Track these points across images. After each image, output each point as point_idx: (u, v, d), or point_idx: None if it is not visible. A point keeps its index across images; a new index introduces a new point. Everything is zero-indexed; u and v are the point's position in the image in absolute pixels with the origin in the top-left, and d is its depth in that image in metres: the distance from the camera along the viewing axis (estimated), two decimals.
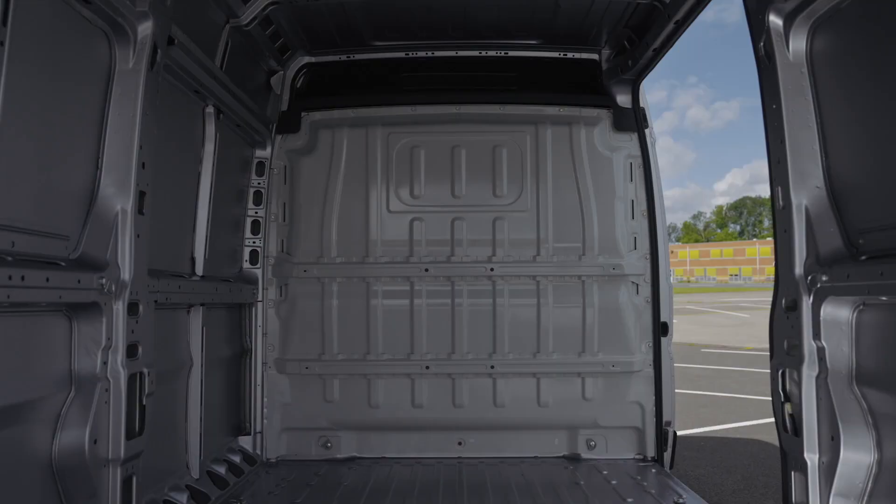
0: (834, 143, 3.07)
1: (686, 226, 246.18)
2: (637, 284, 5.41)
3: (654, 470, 5.08)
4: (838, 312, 3.00)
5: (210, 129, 4.39)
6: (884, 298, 2.74)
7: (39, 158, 2.72)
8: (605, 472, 4.99)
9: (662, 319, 5.36)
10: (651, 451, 5.32)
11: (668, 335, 5.37)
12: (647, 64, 5.06)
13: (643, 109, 5.44)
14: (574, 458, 5.36)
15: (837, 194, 3.06)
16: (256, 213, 5.35)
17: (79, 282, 2.84)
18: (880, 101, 2.71)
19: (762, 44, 3.25)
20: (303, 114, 5.48)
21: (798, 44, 3.15)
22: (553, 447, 5.43)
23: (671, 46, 4.71)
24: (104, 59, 3.11)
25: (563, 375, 5.41)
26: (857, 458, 2.91)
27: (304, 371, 5.40)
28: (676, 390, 5.49)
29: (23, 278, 2.46)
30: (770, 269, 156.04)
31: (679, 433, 5.47)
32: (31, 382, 2.72)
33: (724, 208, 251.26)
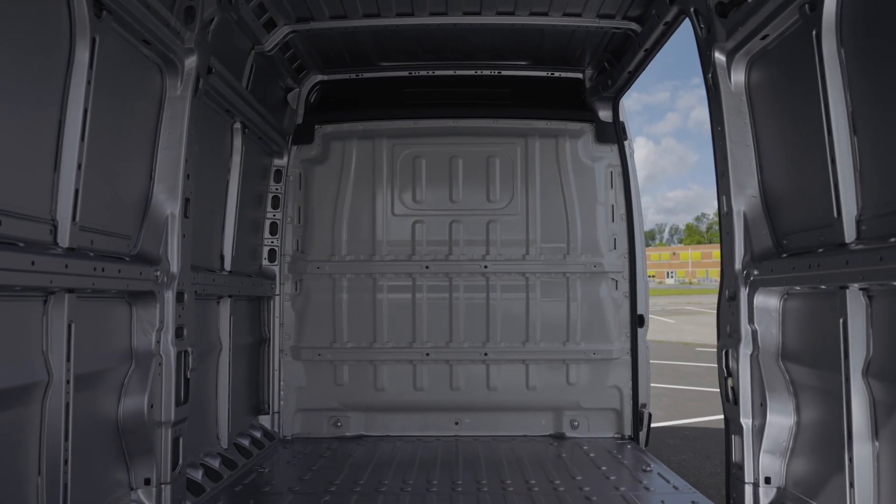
0: (766, 159, 3.68)
1: (689, 227, 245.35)
2: (616, 281, 6.00)
3: (629, 446, 5.66)
4: (768, 301, 3.61)
5: (237, 142, 5.00)
6: (798, 288, 3.35)
7: (110, 172, 3.33)
8: (585, 448, 5.57)
9: (639, 312, 5.95)
10: (628, 430, 5.91)
11: (644, 326, 5.97)
12: (624, 83, 5.66)
13: (622, 123, 6.03)
14: (559, 437, 5.95)
15: (769, 202, 3.67)
16: (274, 215, 5.96)
17: (140, 273, 3.45)
18: (798, 125, 3.31)
19: (710, 75, 3.85)
20: (316, 127, 6.08)
21: (738, 76, 3.75)
22: (540, 426, 6.03)
23: (643, 70, 5.32)
24: (157, 88, 3.72)
25: (549, 362, 6.01)
26: (781, 421, 3.51)
27: (317, 358, 6.01)
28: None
29: (103, 270, 3.08)
30: None
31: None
32: (103, 356, 3.33)
33: None
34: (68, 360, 2.91)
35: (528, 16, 5.07)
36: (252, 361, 5.66)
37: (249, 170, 5.29)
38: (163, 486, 3.61)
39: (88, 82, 2.96)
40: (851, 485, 2.86)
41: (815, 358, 3.24)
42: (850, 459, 2.87)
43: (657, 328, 25.75)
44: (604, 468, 4.96)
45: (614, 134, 5.99)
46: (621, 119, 6.01)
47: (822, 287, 3.08)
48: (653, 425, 6.37)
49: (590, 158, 6.05)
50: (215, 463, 4.57)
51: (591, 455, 5.33)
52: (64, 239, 2.89)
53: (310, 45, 5.53)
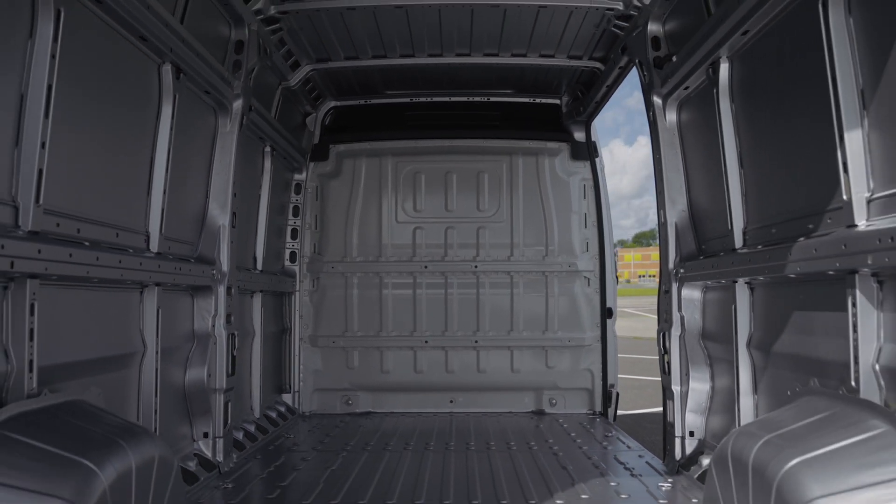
0: (692, 182, 4.66)
1: None
2: (588, 278, 6.98)
3: (598, 420, 6.63)
4: (692, 293, 4.59)
5: (267, 163, 5.99)
6: (710, 283, 4.33)
7: (182, 193, 4.31)
8: (561, 421, 6.53)
9: (608, 306, 6.93)
10: (598, 407, 6.89)
11: (612, 318, 6.95)
12: (594, 110, 6.65)
13: (594, 143, 7.00)
14: (539, 413, 6.92)
15: (694, 215, 4.65)
16: (295, 222, 6.93)
17: (202, 272, 4.44)
18: (708, 158, 4.28)
19: (650, 113, 4.83)
20: (330, 146, 7.06)
21: (671, 116, 4.73)
22: (523, 404, 7.00)
23: (608, 100, 6.31)
24: (212, 125, 4.71)
25: (530, 348, 6.98)
26: (700, 386, 4.49)
27: (331, 345, 6.99)
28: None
29: (179, 269, 4.07)
30: None
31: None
32: (176, 335, 4.32)
33: None
34: (157, 336, 3.90)
35: (510, 57, 6.06)
36: (276, 347, 6.64)
37: (275, 184, 6.27)
38: (217, 439, 4.59)
39: (171, 129, 3.95)
40: None
41: (721, 336, 4.23)
42: (738, 410, 3.85)
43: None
44: (573, 434, 5.92)
45: (587, 152, 6.96)
46: (593, 139, 6.99)
47: (722, 281, 4.07)
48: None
49: (566, 173, 7.03)
50: (251, 428, 5.56)
51: (565, 426, 6.30)
52: (154, 246, 3.88)
53: (326, 79, 6.51)
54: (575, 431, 6.08)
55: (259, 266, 5.97)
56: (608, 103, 6.59)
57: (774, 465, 2.49)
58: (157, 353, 3.90)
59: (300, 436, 5.94)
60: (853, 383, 2.73)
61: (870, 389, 2.66)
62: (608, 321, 6.91)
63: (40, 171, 2.79)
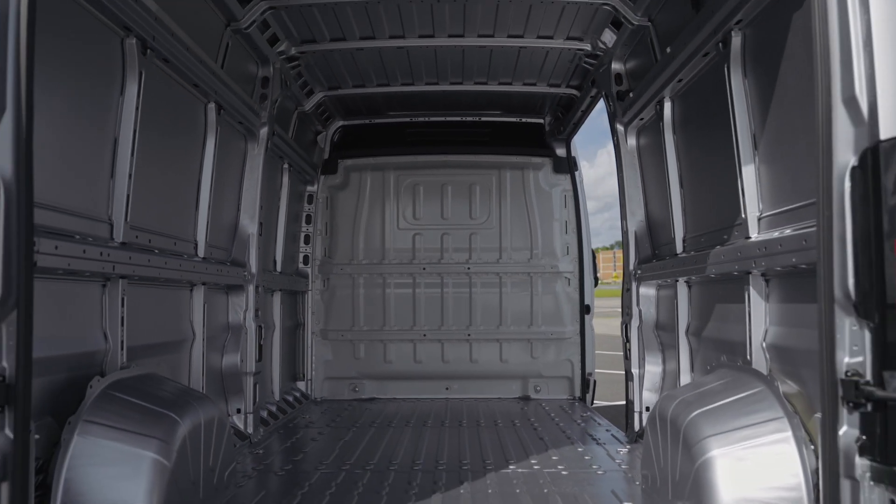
0: (648, 197, 5.52)
1: None
2: (568, 279, 7.83)
3: (577, 404, 7.47)
4: (648, 291, 5.45)
5: (285, 178, 6.84)
6: (660, 282, 5.20)
7: (222, 209, 5.16)
8: (544, 405, 7.38)
9: (586, 303, 7.78)
10: (577, 393, 7.73)
11: (590, 314, 7.80)
12: (572, 129, 7.51)
13: (574, 158, 7.86)
14: (525, 398, 7.77)
15: (650, 225, 5.51)
16: (307, 229, 7.78)
17: (236, 273, 5.30)
18: (658, 178, 5.14)
19: (615, 138, 5.69)
20: (339, 161, 7.91)
21: (631, 141, 5.60)
22: (511, 391, 7.84)
23: (584, 122, 7.18)
24: (243, 149, 5.56)
25: (517, 341, 7.83)
26: (654, 369, 5.35)
27: (340, 338, 7.84)
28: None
29: (219, 271, 4.93)
30: None
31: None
32: (215, 326, 5.17)
33: None
34: (203, 326, 4.75)
35: (497, 85, 6.91)
36: (292, 340, 7.49)
37: (291, 196, 7.13)
38: (248, 414, 5.45)
39: (214, 156, 4.81)
40: None
41: (669, 326, 5.08)
42: (679, 386, 4.71)
43: None
44: (553, 415, 6.77)
45: (567, 166, 7.82)
46: (573, 155, 7.84)
47: (669, 280, 4.93)
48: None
49: (548, 185, 7.88)
50: (273, 408, 6.42)
51: (547, 409, 7.15)
52: (201, 252, 4.74)
53: (336, 103, 7.37)
54: (555, 413, 6.92)
55: (279, 268, 6.82)
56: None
57: (682, 417, 3.35)
58: (203, 340, 4.76)
59: (314, 416, 6.79)
60: (748, 357, 3.59)
61: (759, 362, 3.52)
62: (586, 317, 7.77)
63: (128, 196, 3.65)
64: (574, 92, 6.93)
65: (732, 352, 3.86)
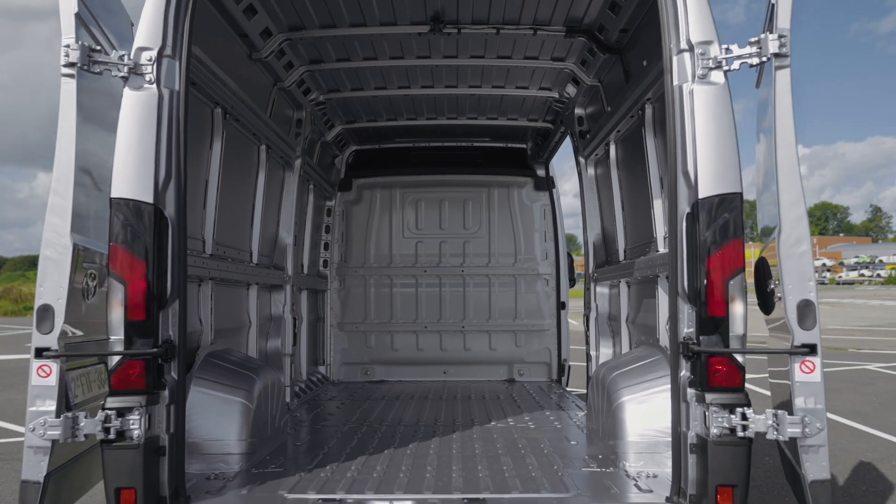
0: (603, 214, 6.97)
1: None
2: (547, 279, 9.27)
3: (553, 385, 8.90)
4: (603, 290, 6.90)
5: (310, 196, 8.28)
6: (610, 282, 6.65)
7: (265, 223, 6.60)
8: (526, 386, 8.81)
9: (562, 300, 9.22)
10: (555, 376, 9.17)
11: (566, 309, 9.24)
12: (550, 154, 8.95)
13: (552, 178, 9.30)
14: (511, 381, 9.20)
15: (604, 237, 6.96)
16: (326, 238, 9.21)
17: (277, 275, 6.74)
18: (609, 201, 6.57)
19: (578, 167, 7.14)
20: (353, 180, 9.35)
21: (590, 170, 7.04)
22: (499, 374, 9.27)
23: (559, 148, 8.63)
24: (281, 177, 7.00)
25: (504, 332, 9.26)
26: (606, 351, 6.79)
27: (354, 329, 9.28)
28: None
29: (266, 274, 6.37)
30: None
31: None
32: (262, 317, 6.61)
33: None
34: (256, 317, 6.20)
35: (486, 119, 8.36)
36: (314, 331, 8.92)
37: (314, 211, 8.57)
38: (286, 387, 6.88)
39: (264, 185, 6.26)
40: None
41: (616, 317, 6.53)
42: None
43: None
44: (532, 393, 8.20)
45: (546, 185, 9.26)
46: (550, 175, 9.29)
47: (615, 281, 6.39)
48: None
49: (530, 201, 9.32)
50: (302, 385, 7.86)
51: (528, 389, 8.58)
52: (254, 259, 6.18)
53: (352, 133, 8.82)
54: (534, 392, 8.35)
55: (305, 271, 8.26)
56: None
57: (607, 377, 4.81)
58: (256, 327, 6.20)
59: (334, 393, 8.23)
60: (657, 336, 5.04)
61: (663, 339, 4.97)
62: (562, 311, 9.21)
63: (214, 221, 5.10)
64: (549, 125, 8.37)
65: (649, 333, 5.31)
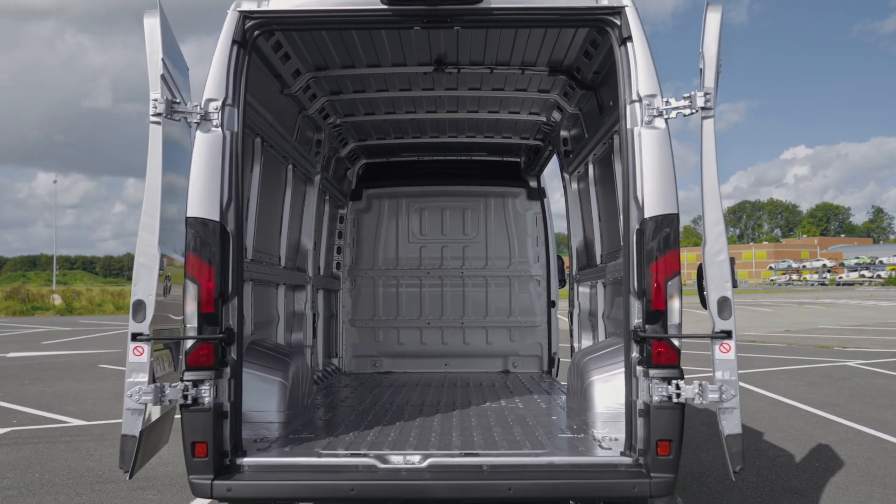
0: (585, 224, 7.96)
1: (686, 229, 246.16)
2: (538, 280, 10.25)
3: (544, 376, 9.88)
4: (584, 289, 7.89)
5: (326, 206, 9.29)
6: (590, 283, 7.65)
7: (291, 231, 7.60)
8: (519, 377, 9.79)
9: (552, 299, 10.21)
10: (545, 368, 10.15)
11: (555, 307, 10.23)
12: (541, 167, 9.95)
13: (543, 188, 10.29)
14: (505, 372, 10.17)
15: (586, 244, 7.95)
16: (339, 243, 10.21)
17: (300, 277, 7.75)
18: (589, 212, 7.57)
19: (563, 182, 8.13)
20: (363, 190, 10.34)
21: (573, 185, 8.04)
22: (495, 366, 10.25)
23: (549, 162, 9.62)
24: (303, 191, 8.01)
25: (499, 328, 10.24)
26: (587, 343, 7.78)
27: (364, 325, 10.27)
28: None
29: (292, 275, 7.38)
30: (766, 273, 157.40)
31: None
32: (287, 311, 7.61)
33: (723, 212, 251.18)
34: (283, 312, 7.20)
35: (483, 138, 9.35)
36: (328, 326, 9.92)
37: (329, 218, 9.57)
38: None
39: (290, 199, 7.26)
40: None
41: (595, 313, 7.52)
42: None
43: None
44: (524, 381, 9.19)
45: (538, 195, 10.26)
46: (542, 186, 10.28)
47: (594, 282, 7.38)
48: None
49: (523, 209, 10.31)
50: (319, 374, 8.86)
51: (521, 379, 9.57)
52: (282, 263, 7.19)
53: (363, 148, 9.83)
54: (526, 381, 9.34)
55: (321, 272, 9.26)
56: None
57: (581, 361, 5.81)
58: (283, 321, 7.21)
59: (347, 382, 9.23)
60: (631, 329, 6.02)
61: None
62: (552, 309, 10.20)
63: (254, 230, 6.10)
64: (539, 143, 9.37)
65: (618, 325, 6.30)
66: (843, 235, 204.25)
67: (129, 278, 4.55)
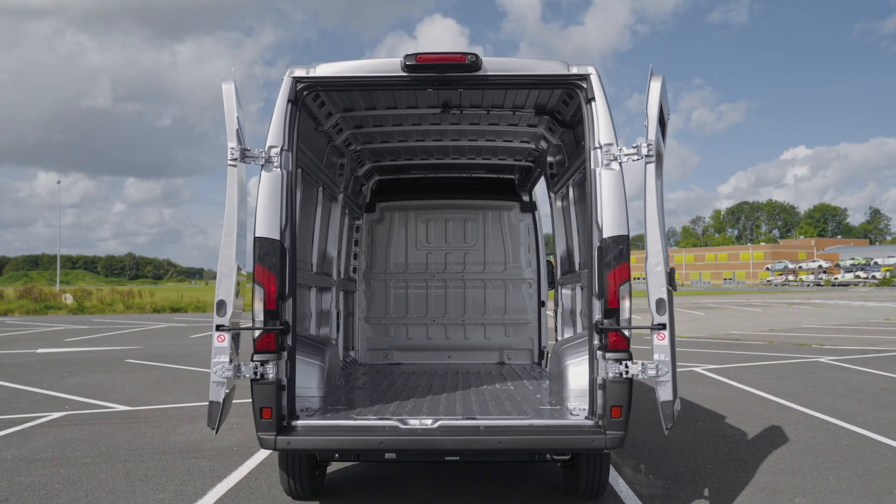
0: (568, 235, 9.39)
1: (685, 230, 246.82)
2: (530, 283, 11.66)
3: (535, 367, 11.31)
4: (567, 291, 9.33)
5: (347, 219, 10.72)
6: (571, 286, 9.08)
7: (320, 242, 9.03)
8: (513, 367, 11.22)
9: (542, 299, 11.64)
10: (536, 360, 11.58)
11: (545, 307, 11.66)
12: (533, 184, 11.38)
13: (534, 202, 11.72)
14: (501, 363, 11.59)
15: (568, 253, 9.39)
16: (356, 250, 11.64)
17: (327, 280, 9.18)
18: (569, 227, 8.99)
19: (550, 200, 9.57)
20: (377, 203, 11.76)
21: (558, 203, 9.48)
22: (492, 358, 11.66)
23: (539, 181, 11.06)
24: (329, 207, 9.44)
25: (496, 325, 11.67)
26: (569, 334, 9.22)
27: (377, 322, 11.70)
28: None
29: (321, 279, 8.81)
30: (763, 273, 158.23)
31: None
32: (317, 309, 9.03)
33: (722, 213, 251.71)
34: (314, 310, 8.63)
35: (482, 159, 10.79)
36: (347, 323, 11.35)
37: (347, 229, 11.00)
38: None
39: (319, 215, 8.69)
40: None
41: (575, 312, 8.94)
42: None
43: None
44: (517, 371, 10.62)
45: (530, 208, 11.69)
46: (533, 200, 11.71)
47: (574, 285, 8.81)
48: None
49: (517, 221, 11.74)
50: (341, 364, 10.29)
51: (514, 369, 11.00)
52: (313, 268, 8.62)
53: (377, 168, 11.26)
54: (519, 371, 10.77)
55: (342, 276, 10.70)
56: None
57: (559, 349, 7.24)
58: (314, 318, 8.64)
59: (363, 371, 10.66)
60: (593, 322, 7.46)
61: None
62: (542, 308, 11.63)
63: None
64: (531, 164, 10.80)
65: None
66: (840, 237, 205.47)
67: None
